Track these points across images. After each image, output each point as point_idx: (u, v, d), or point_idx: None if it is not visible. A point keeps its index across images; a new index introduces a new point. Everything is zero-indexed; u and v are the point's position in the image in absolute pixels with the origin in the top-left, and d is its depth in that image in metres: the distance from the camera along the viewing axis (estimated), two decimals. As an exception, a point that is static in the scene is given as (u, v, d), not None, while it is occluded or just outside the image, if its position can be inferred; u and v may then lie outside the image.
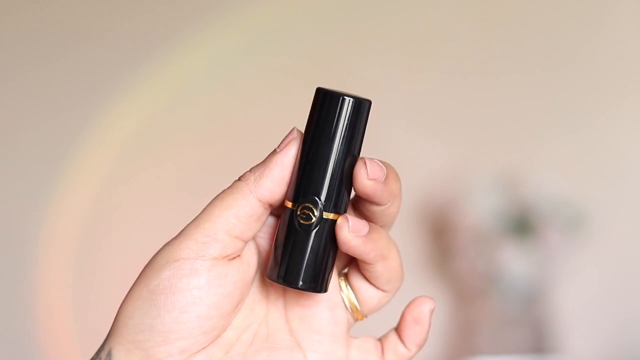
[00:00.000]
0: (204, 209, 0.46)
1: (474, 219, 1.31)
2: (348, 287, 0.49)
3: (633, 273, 1.44)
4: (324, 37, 1.47)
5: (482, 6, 1.48)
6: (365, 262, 0.47)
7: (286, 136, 0.47)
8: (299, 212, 0.46)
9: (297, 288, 0.46)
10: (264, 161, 0.46)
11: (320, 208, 0.46)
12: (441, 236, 1.41)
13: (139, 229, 1.40)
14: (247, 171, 0.47)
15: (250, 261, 0.47)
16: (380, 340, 0.49)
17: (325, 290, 0.47)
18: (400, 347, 0.49)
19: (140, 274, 0.46)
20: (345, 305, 0.49)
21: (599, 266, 1.42)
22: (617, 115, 1.46)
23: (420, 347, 0.48)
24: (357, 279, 0.49)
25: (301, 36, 1.46)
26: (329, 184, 0.46)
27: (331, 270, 0.47)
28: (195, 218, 0.46)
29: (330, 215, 0.46)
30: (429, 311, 0.48)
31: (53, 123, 1.46)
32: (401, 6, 1.48)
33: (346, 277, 0.49)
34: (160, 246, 0.46)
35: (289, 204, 0.46)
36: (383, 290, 0.49)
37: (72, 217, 1.43)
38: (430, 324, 0.48)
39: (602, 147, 1.45)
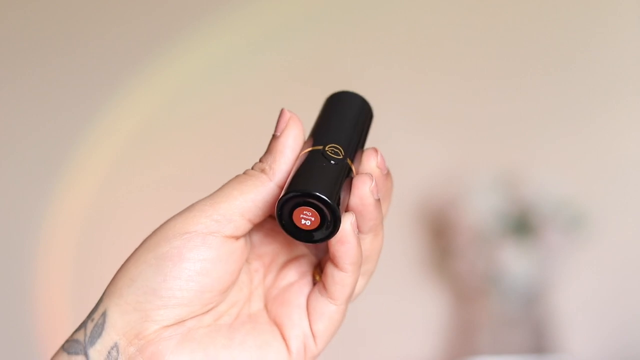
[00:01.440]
0: (221, 189, 0.47)
1: (474, 219, 1.31)
2: (320, 275, 0.50)
3: (633, 273, 1.44)
4: (324, 37, 1.47)
5: (483, 6, 1.48)
6: (360, 230, 0.47)
7: (279, 119, 0.48)
8: (327, 149, 0.46)
9: (316, 196, 0.44)
10: (270, 148, 0.48)
11: (345, 151, 0.47)
12: (441, 236, 1.41)
13: (140, 229, 1.39)
14: (258, 162, 0.48)
15: (248, 244, 0.49)
16: (321, 283, 0.49)
17: (338, 227, 0.45)
18: (336, 273, 0.48)
19: (145, 241, 0.47)
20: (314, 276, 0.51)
21: (599, 266, 1.42)
22: (617, 115, 1.46)
23: (355, 264, 0.47)
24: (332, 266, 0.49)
25: (302, 36, 1.46)
26: (350, 140, 0.48)
27: (343, 206, 0.46)
28: (211, 196, 0.47)
29: (351, 164, 0.47)
30: (350, 224, 0.46)
31: (53, 123, 1.46)
32: (401, 6, 1.48)
33: (320, 268, 0.51)
34: None
35: (314, 148, 0.47)
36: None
37: (73, 217, 1.43)
38: (356, 238, 0.46)
39: (602, 147, 1.45)
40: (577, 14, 1.47)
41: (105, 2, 1.49)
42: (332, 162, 0.46)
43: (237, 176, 0.48)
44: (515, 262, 1.30)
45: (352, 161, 0.47)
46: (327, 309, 0.48)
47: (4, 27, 1.46)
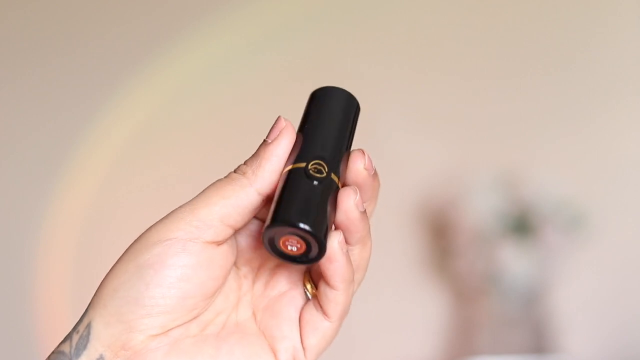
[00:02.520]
0: (200, 194, 0.47)
1: (474, 219, 1.31)
2: (311, 283, 0.50)
3: (632, 273, 1.44)
4: (325, 38, 1.47)
5: (483, 6, 1.48)
6: (347, 242, 0.47)
7: (274, 126, 0.48)
8: (310, 167, 0.46)
9: (300, 228, 0.44)
10: (257, 153, 0.47)
11: (329, 165, 0.46)
12: (441, 236, 1.41)
13: (139, 229, 1.39)
14: (242, 164, 0.48)
15: (233, 249, 0.48)
16: (315, 298, 0.49)
17: (325, 246, 0.45)
18: (329, 291, 0.47)
19: (127, 250, 0.47)
20: (308, 293, 0.50)
21: (599, 266, 1.41)
22: (617, 115, 1.46)
23: (346, 282, 0.47)
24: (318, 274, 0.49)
25: (301, 36, 1.46)
26: (334, 149, 0.47)
27: (330, 228, 0.46)
28: (190, 202, 0.47)
29: (335, 178, 0.46)
30: (338, 242, 0.46)
31: (53, 123, 1.46)
32: (401, 6, 1.48)
33: (310, 275, 0.50)
34: None
35: (296, 165, 0.46)
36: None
37: (73, 217, 1.43)
38: (345, 255, 0.46)
39: (602, 147, 1.45)
40: (577, 14, 1.47)
41: (105, 2, 1.49)
42: (315, 182, 0.45)
43: (218, 180, 0.47)
44: (515, 262, 1.30)
45: (338, 172, 0.47)
46: (321, 325, 0.48)
47: (4, 27, 1.46)
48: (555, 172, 1.40)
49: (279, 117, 0.48)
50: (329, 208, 0.45)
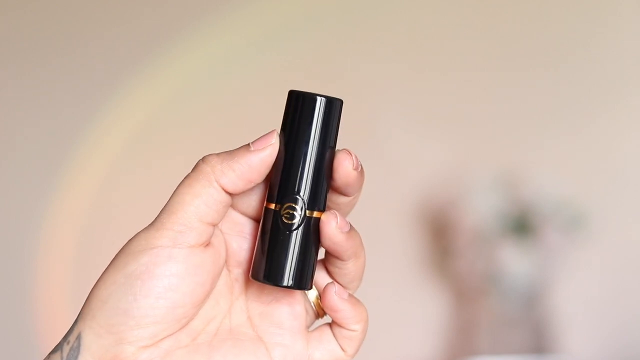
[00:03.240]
0: (173, 196, 0.47)
1: (474, 219, 1.31)
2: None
3: (633, 273, 1.44)
4: (325, 37, 1.47)
5: (483, 6, 1.48)
6: (340, 259, 0.48)
7: (264, 137, 0.47)
8: (282, 212, 0.47)
9: (283, 287, 0.47)
10: (234, 153, 0.47)
11: (303, 207, 0.47)
12: (441, 236, 1.41)
13: (139, 229, 1.39)
14: (214, 155, 0.47)
15: (221, 251, 0.48)
16: (329, 325, 0.50)
17: (310, 287, 0.48)
18: (345, 331, 0.49)
19: (113, 260, 0.47)
20: (311, 302, 0.50)
21: (599, 266, 1.42)
22: (617, 115, 1.46)
23: (360, 322, 0.49)
24: (320, 278, 0.50)
25: (301, 36, 1.46)
26: (310, 182, 0.47)
27: (314, 266, 0.48)
28: (167, 206, 0.47)
29: (314, 213, 0.47)
30: (335, 294, 0.48)
31: (54, 123, 1.46)
32: (401, 6, 1.48)
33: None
34: None
35: (271, 206, 0.47)
36: (346, 289, 0.50)
37: (73, 217, 1.43)
38: (347, 301, 0.48)
39: (602, 147, 1.45)
40: (577, 14, 1.47)
41: (105, 2, 1.49)
42: (291, 230, 0.46)
43: (187, 177, 0.47)
44: (515, 262, 1.30)
45: (317, 204, 0.47)
46: (338, 354, 0.50)
47: (4, 27, 1.46)
48: (555, 172, 1.40)
49: (273, 130, 0.47)
50: (312, 246, 0.47)
